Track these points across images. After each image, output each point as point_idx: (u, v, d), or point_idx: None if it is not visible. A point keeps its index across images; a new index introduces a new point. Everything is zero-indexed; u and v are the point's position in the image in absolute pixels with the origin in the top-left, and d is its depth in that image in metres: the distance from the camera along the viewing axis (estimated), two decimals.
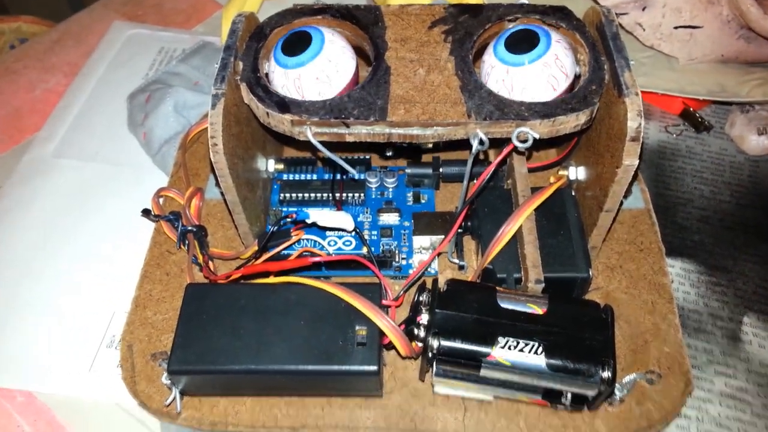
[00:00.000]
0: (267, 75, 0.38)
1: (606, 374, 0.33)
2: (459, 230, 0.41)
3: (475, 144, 0.35)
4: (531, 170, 0.43)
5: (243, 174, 0.38)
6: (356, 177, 0.38)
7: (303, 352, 0.34)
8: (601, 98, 0.36)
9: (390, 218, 0.43)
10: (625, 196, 0.44)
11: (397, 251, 0.42)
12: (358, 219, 0.43)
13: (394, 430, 0.36)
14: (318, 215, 0.38)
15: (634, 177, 0.37)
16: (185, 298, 0.37)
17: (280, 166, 0.45)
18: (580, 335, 0.33)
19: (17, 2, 0.98)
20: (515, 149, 0.36)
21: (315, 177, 0.45)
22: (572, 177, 0.42)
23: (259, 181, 0.43)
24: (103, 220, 0.48)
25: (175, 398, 0.36)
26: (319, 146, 0.36)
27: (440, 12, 0.40)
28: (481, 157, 0.44)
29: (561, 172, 0.43)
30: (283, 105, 0.36)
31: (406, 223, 0.43)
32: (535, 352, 0.33)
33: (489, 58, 0.37)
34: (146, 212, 0.44)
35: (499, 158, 0.36)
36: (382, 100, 0.36)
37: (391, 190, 0.45)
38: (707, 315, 0.43)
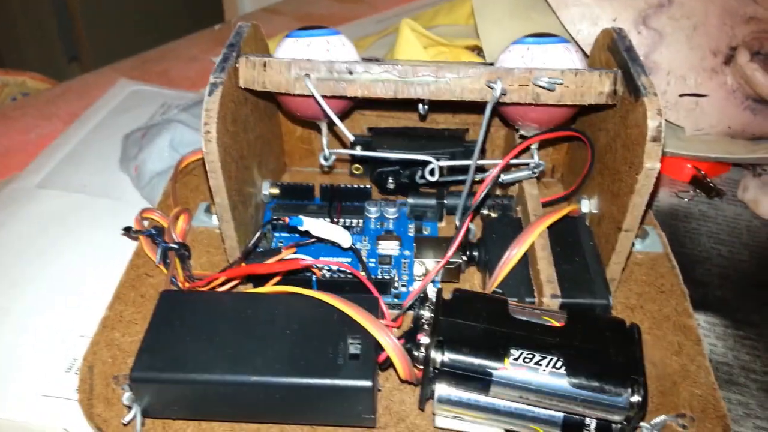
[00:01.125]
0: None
1: (635, 398, 0.28)
2: (463, 257, 0.37)
3: (497, 89, 0.32)
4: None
5: (235, 178, 0.36)
6: (352, 140, 0.36)
7: (286, 363, 0.30)
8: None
9: (390, 247, 0.40)
10: (642, 238, 0.42)
11: (396, 277, 0.38)
12: (356, 246, 0.40)
13: None
14: (312, 224, 0.35)
15: (650, 202, 0.34)
16: (158, 305, 0.33)
17: (276, 191, 0.42)
18: (604, 351, 0.29)
19: (21, 63, 1.00)
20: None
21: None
22: (585, 210, 0.40)
23: (252, 199, 0.40)
24: (81, 248, 0.45)
25: (135, 417, 0.31)
26: (319, 97, 0.33)
27: None
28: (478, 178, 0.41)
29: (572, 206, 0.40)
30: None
31: (407, 252, 0.40)
32: (554, 367, 0.29)
33: (505, 51, 0.36)
34: (127, 229, 0.40)
35: (512, 154, 0.34)
36: (392, 62, 0.34)
37: (391, 221, 0.42)
38: (738, 368, 0.39)
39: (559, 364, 0.29)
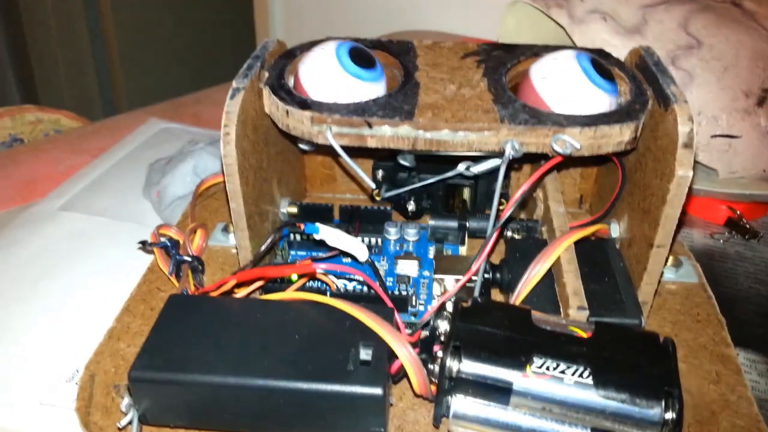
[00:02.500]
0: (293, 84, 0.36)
1: (670, 414, 0.26)
2: (486, 275, 0.36)
3: (507, 149, 0.32)
4: None
5: (253, 187, 0.35)
6: (373, 187, 0.35)
7: (293, 367, 0.28)
8: (645, 127, 0.34)
9: (408, 267, 0.38)
10: (676, 267, 0.40)
11: (414, 296, 0.36)
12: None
13: None
14: (329, 232, 0.34)
15: (680, 225, 0.33)
16: (164, 308, 0.32)
17: (294, 210, 0.41)
18: (635, 361, 0.27)
19: (55, 104, 1.02)
20: (548, 171, 0.33)
21: None
22: (614, 234, 0.38)
23: (269, 216, 0.39)
24: (97, 268, 0.44)
25: (131, 422, 0.29)
26: (338, 148, 0.33)
27: (473, 47, 0.39)
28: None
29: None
30: (304, 104, 0.34)
31: (426, 273, 0.38)
32: (580, 376, 0.26)
33: (567, 60, 0.35)
34: (143, 243, 0.40)
35: (540, 172, 0.33)
36: (410, 105, 0.33)
37: (411, 242, 0.41)
38: None
39: (586, 374, 0.27)
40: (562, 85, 0.34)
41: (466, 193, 0.44)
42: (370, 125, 0.33)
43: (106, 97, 1.31)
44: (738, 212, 0.52)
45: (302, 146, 0.40)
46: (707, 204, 0.53)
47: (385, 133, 0.33)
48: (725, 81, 0.54)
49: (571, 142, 0.31)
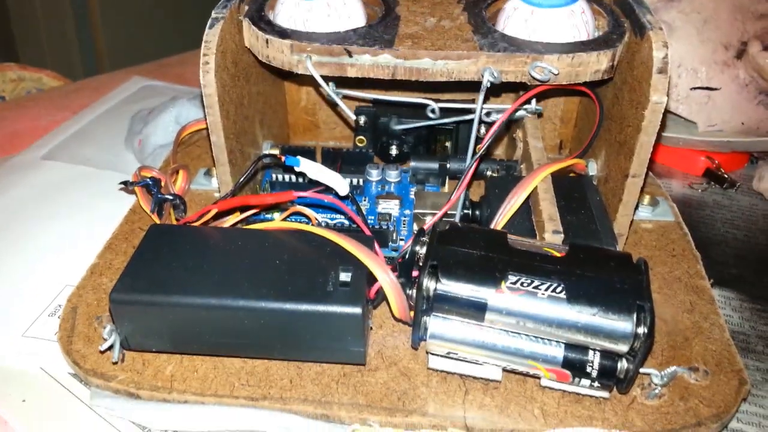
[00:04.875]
0: (273, 19, 0.36)
1: (642, 329, 0.26)
2: (465, 211, 0.36)
3: (486, 76, 0.32)
4: None
5: (234, 122, 0.35)
6: (353, 118, 0.35)
7: (273, 289, 0.29)
8: (622, 60, 0.34)
9: (389, 206, 0.39)
10: (652, 206, 0.40)
11: (395, 232, 0.37)
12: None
13: (376, 408, 0.29)
14: (309, 165, 0.34)
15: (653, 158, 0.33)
16: (146, 237, 0.32)
17: (276, 152, 0.42)
18: (608, 277, 0.28)
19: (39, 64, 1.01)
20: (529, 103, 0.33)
21: None
22: (591, 173, 0.39)
23: (251, 155, 0.39)
24: (80, 214, 0.44)
25: (113, 346, 0.30)
26: (318, 78, 0.33)
27: None
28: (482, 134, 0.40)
29: None
30: (284, 34, 0.34)
31: (407, 212, 0.39)
32: (553, 291, 0.27)
33: (512, 1, 0.35)
34: (125, 183, 0.40)
35: (519, 102, 0.33)
36: (390, 35, 0.33)
37: (393, 184, 0.41)
38: (755, 337, 0.37)
39: (560, 289, 0.27)
40: (518, 25, 0.35)
41: (447, 139, 0.44)
42: (350, 54, 0.33)
43: (88, 58, 1.30)
44: (716, 162, 0.52)
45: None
46: (686, 155, 0.54)
47: (365, 62, 0.33)
48: (705, 33, 0.54)
49: (549, 68, 0.32)
